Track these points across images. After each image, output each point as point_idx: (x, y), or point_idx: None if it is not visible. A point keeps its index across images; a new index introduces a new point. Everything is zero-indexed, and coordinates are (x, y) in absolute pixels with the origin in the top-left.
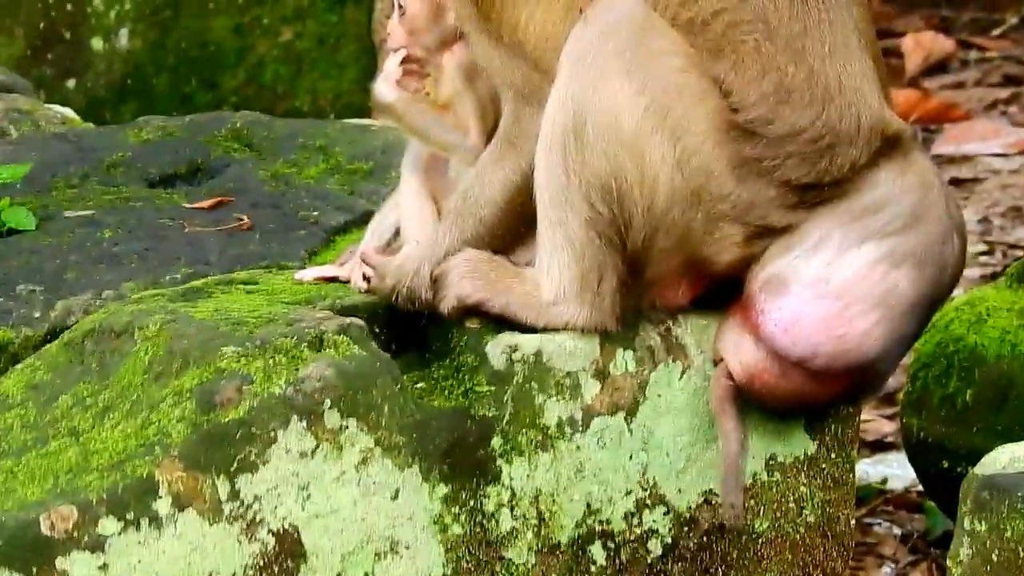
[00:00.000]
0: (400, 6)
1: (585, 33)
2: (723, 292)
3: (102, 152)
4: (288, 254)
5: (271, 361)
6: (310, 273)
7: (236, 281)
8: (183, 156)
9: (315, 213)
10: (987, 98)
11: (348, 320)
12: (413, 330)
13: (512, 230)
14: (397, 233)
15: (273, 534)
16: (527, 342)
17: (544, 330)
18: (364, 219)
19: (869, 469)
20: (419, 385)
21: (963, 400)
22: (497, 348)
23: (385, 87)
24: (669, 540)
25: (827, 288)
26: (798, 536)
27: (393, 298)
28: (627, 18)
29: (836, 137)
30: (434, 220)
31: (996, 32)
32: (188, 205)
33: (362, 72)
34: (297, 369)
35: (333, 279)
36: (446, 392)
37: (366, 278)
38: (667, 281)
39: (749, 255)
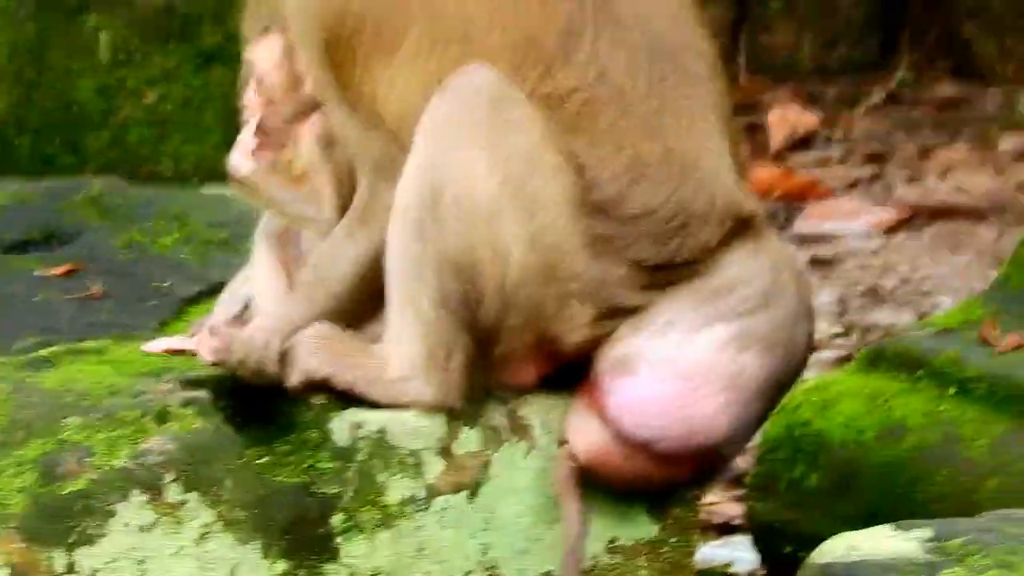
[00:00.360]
0: (256, 77)
1: (442, 104)
2: (572, 372)
3: None
4: (139, 324)
5: (114, 434)
6: (159, 344)
7: (84, 351)
8: (38, 222)
9: (168, 283)
10: (850, 176)
11: (193, 393)
12: (260, 404)
13: (363, 305)
14: (248, 305)
15: None
16: (372, 419)
17: (390, 407)
18: (216, 289)
19: (715, 552)
20: (263, 460)
21: (808, 485)
22: (342, 424)
23: (239, 159)
24: None
25: (675, 369)
26: None
27: (240, 372)
28: (485, 91)
29: (689, 217)
30: (285, 293)
31: (861, 109)
32: (40, 272)
33: (226, 136)
34: (140, 442)
35: (182, 351)
36: (289, 468)
37: (214, 350)
38: (516, 360)
39: (598, 335)
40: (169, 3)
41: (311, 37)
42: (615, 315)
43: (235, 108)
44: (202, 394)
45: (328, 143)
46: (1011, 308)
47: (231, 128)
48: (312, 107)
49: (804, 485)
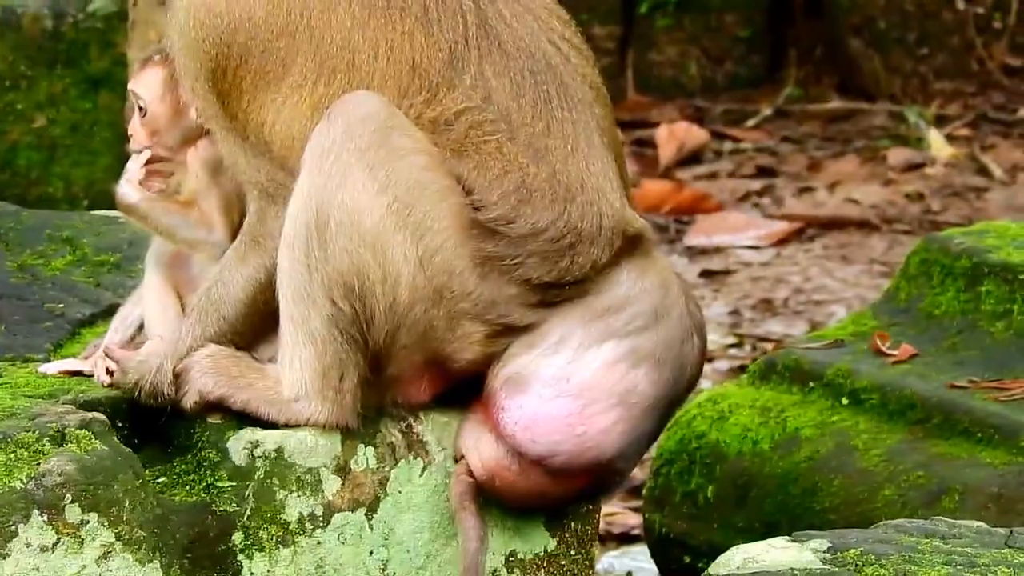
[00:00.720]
0: (141, 107)
1: (329, 130)
2: (466, 389)
3: None
4: (33, 346)
5: (12, 455)
6: (54, 367)
7: None
8: None
9: (61, 305)
10: (740, 189)
11: (90, 415)
12: (156, 425)
13: (255, 327)
14: (141, 327)
15: None
16: (268, 438)
17: (286, 426)
18: (110, 312)
19: (615, 562)
20: (161, 480)
21: (704, 496)
22: (238, 444)
23: (127, 188)
24: None
25: (567, 387)
26: None
27: (135, 393)
28: (371, 116)
29: (577, 236)
30: (177, 315)
31: (750, 123)
32: None
33: (115, 159)
34: (38, 463)
35: (78, 373)
36: (188, 487)
37: (109, 372)
38: (409, 378)
39: (491, 353)
40: (56, 28)
41: (196, 68)
42: (507, 333)
43: (123, 132)
44: (99, 416)
45: (215, 169)
46: (900, 319)
47: (120, 152)
48: (198, 133)
49: (700, 496)
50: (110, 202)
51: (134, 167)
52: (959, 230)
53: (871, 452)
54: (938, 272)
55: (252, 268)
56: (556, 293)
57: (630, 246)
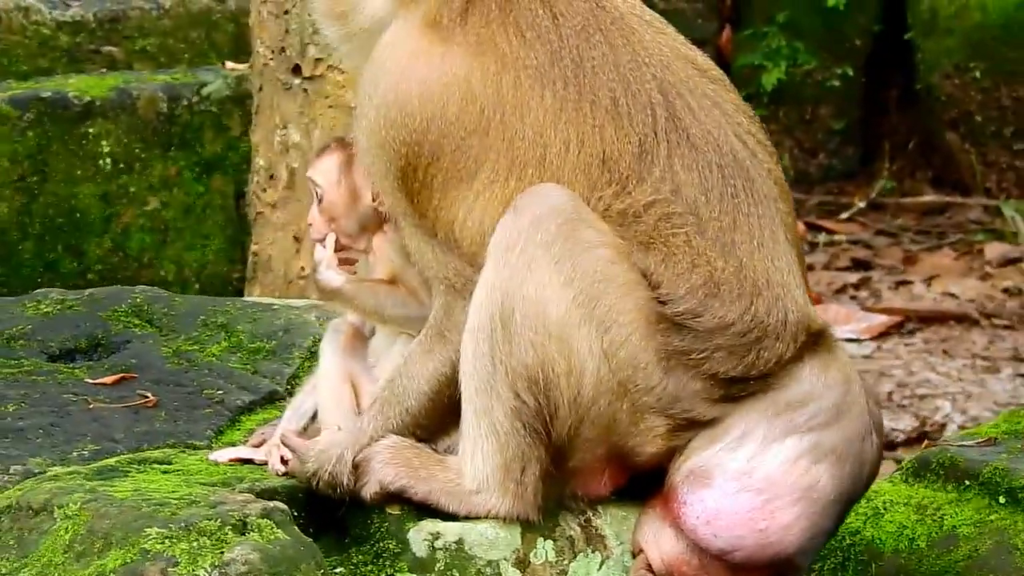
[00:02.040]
0: (318, 196)
1: (514, 223)
2: (644, 483)
3: (1, 324)
4: (194, 433)
5: (195, 543)
6: (225, 454)
7: (150, 460)
8: (83, 331)
9: (220, 392)
10: (837, 282)
11: (271, 504)
12: (331, 514)
13: (438, 421)
14: (314, 417)
15: None
16: (449, 529)
17: (466, 518)
18: (269, 399)
19: None
20: (339, 570)
21: None
22: (419, 535)
23: (329, 273)
24: None
25: (750, 481)
26: None
27: (313, 483)
28: (556, 209)
29: (764, 331)
30: (352, 406)
31: (844, 216)
32: (91, 380)
33: (227, 242)
34: (222, 552)
35: (248, 461)
36: None
37: (284, 461)
38: (590, 471)
39: (673, 447)
40: (171, 111)
41: (386, 166)
42: (689, 427)
43: (235, 216)
44: (280, 505)
45: (407, 252)
46: None
47: (232, 234)
48: (377, 219)
49: None
50: (222, 285)
51: (326, 253)
52: None
53: None
54: None
55: (438, 362)
56: (740, 388)
57: (812, 342)
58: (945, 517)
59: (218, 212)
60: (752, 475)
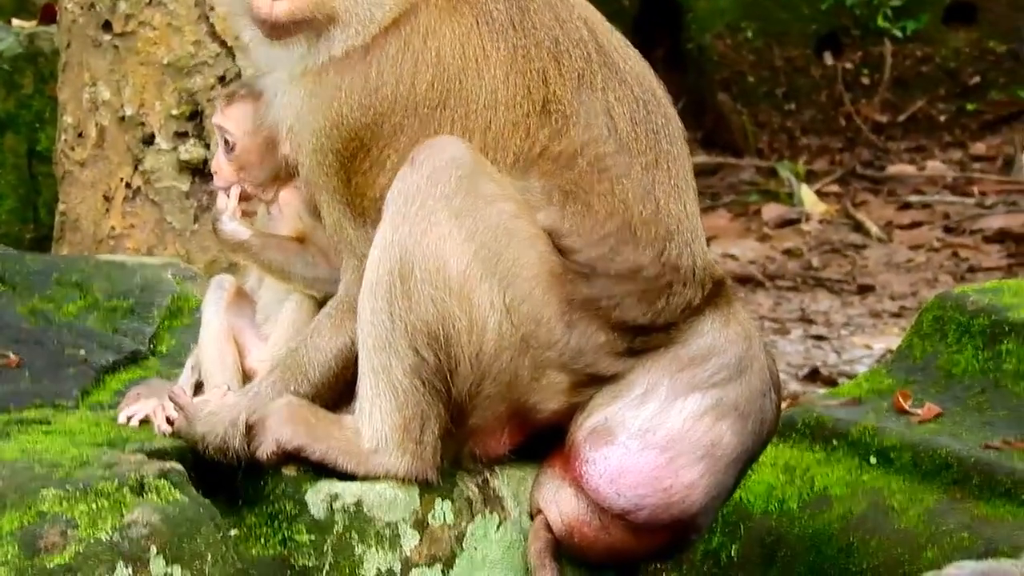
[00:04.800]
0: (228, 142)
1: (412, 176)
2: (541, 443)
3: None
4: (61, 392)
5: (94, 505)
6: (130, 413)
7: (28, 420)
8: None
9: (81, 352)
10: None
11: (167, 464)
12: (221, 476)
13: (339, 391)
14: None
15: None
16: (347, 490)
17: (364, 478)
18: (132, 358)
19: None
20: (232, 532)
21: (727, 555)
22: (317, 496)
23: (234, 225)
24: None
25: (654, 439)
26: None
27: (202, 447)
28: (456, 162)
29: (675, 275)
30: (236, 364)
31: None
32: None
33: (20, 201)
34: (122, 514)
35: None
36: (263, 540)
37: (169, 421)
38: (490, 429)
39: (575, 403)
40: None
41: (332, 148)
42: (592, 383)
43: (27, 176)
44: (176, 465)
45: (316, 210)
46: (918, 377)
47: (25, 194)
48: (287, 172)
49: (723, 555)
50: (15, 245)
51: (230, 203)
52: (972, 287)
53: (909, 512)
54: (954, 330)
55: (347, 337)
56: (643, 341)
57: (713, 294)
58: (815, 477)
59: (11, 171)
60: (656, 432)
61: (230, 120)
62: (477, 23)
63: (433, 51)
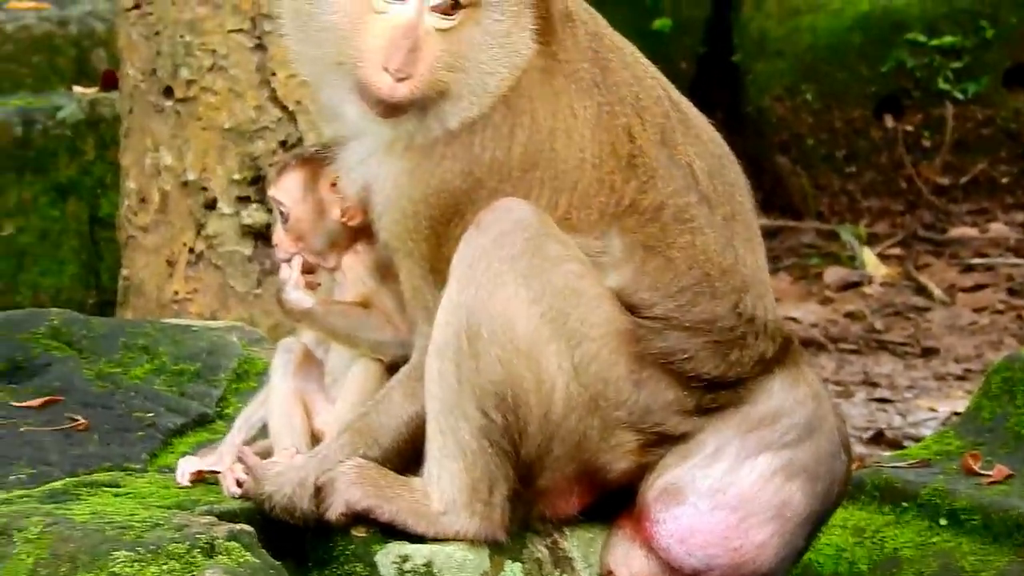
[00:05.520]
0: (282, 213)
1: (478, 239)
2: (610, 503)
3: None
4: (130, 456)
5: (165, 567)
6: (188, 468)
7: (98, 483)
8: (1, 354)
9: (149, 414)
10: None
11: (238, 526)
12: (290, 538)
13: (408, 458)
14: (264, 429)
15: None
16: (417, 552)
17: (434, 540)
18: (199, 421)
19: None
20: None
21: None
22: (387, 557)
23: (297, 294)
24: None
25: (724, 499)
26: None
27: (268, 506)
28: (522, 224)
29: (749, 327)
30: (304, 427)
31: None
32: (16, 403)
33: (82, 267)
34: (193, 575)
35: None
36: None
37: (239, 483)
38: (559, 490)
39: (644, 463)
40: (26, 135)
41: (427, 215)
42: (661, 443)
43: (90, 241)
44: (246, 527)
45: (383, 271)
46: (986, 439)
47: (87, 260)
48: (343, 237)
49: None
50: (79, 311)
51: (292, 274)
52: None
53: (980, 574)
54: (1023, 391)
55: (419, 405)
56: (712, 399)
57: (782, 352)
58: (885, 539)
59: (73, 237)
60: (726, 492)
61: (281, 191)
62: (567, 85)
63: (528, 115)
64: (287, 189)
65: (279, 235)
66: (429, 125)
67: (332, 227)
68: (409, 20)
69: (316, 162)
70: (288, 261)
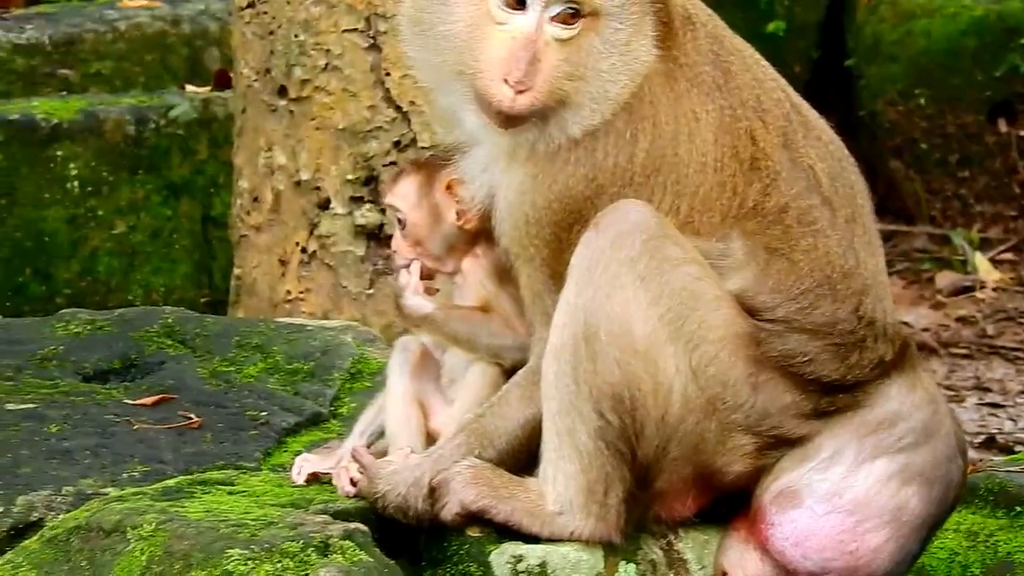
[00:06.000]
0: (400, 221)
1: (596, 241)
2: (724, 506)
3: (31, 345)
4: (243, 454)
5: (279, 565)
6: (303, 468)
7: (212, 481)
8: (116, 351)
9: (263, 413)
10: None
11: (352, 525)
12: (403, 537)
13: (523, 461)
14: (382, 434)
15: None
16: (532, 552)
17: (549, 540)
18: (313, 420)
19: None
20: None
21: None
22: (501, 557)
23: (417, 300)
24: None
25: (841, 502)
26: None
27: (381, 505)
28: (640, 226)
29: (869, 329)
30: (421, 427)
31: None
32: (130, 401)
33: (194, 267)
34: (307, 574)
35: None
36: None
37: (353, 482)
38: (675, 492)
39: (760, 466)
40: (138, 134)
41: (551, 221)
42: (778, 446)
43: (202, 240)
44: (361, 526)
45: (501, 274)
46: None
47: (199, 259)
48: (461, 240)
49: None
50: (188, 308)
51: (411, 279)
52: None
53: None
54: None
55: (536, 408)
56: (830, 402)
57: (900, 355)
58: (999, 544)
59: (185, 236)
60: (843, 496)
61: (397, 197)
62: (688, 89)
63: (651, 120)
64: (403, 195)
65: (397, 241)
66: (551, 133)
67: (449, 231)
68: (529, 32)
69: (430, 167)
70: (407, 267)
